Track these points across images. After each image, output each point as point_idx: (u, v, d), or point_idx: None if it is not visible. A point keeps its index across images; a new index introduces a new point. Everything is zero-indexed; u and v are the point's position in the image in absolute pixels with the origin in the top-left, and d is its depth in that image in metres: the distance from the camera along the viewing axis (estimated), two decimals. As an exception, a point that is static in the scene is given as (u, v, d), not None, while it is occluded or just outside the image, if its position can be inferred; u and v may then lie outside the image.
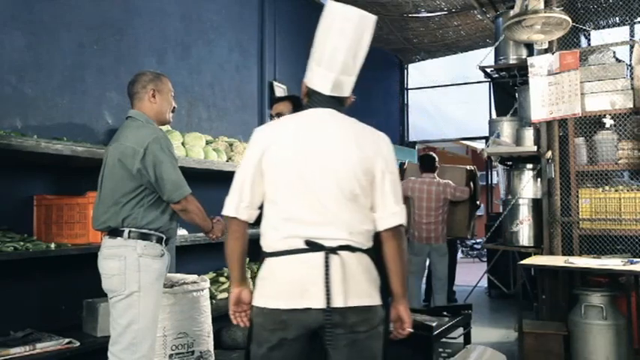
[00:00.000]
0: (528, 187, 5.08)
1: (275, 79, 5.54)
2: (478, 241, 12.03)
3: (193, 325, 3.13)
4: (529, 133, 4.69)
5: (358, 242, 1.79)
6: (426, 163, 5.37)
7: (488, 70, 5.23)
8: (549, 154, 4.39)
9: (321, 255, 1.73)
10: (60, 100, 3.43)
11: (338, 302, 1.71)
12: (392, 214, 1.84)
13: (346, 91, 1.91)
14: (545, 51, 4.39)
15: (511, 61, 5.02)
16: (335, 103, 1.89)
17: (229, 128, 4.90)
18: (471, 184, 5.41)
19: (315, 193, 1.78)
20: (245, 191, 1.84)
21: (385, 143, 1.87)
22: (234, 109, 5.02)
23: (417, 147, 8.99)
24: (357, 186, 1.79)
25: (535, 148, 4.63)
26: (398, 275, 1.87)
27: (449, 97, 9.12)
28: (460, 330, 3.10)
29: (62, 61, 3.44)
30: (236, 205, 1.84)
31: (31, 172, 3.20)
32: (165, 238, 2.52)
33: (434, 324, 2.76)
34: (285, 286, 1.76)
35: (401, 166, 7.11)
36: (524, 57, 4.85)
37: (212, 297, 3.85)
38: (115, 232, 2.43)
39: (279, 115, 2.99)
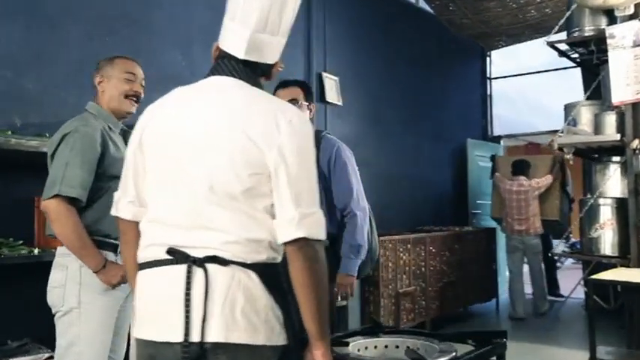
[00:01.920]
0: (611, 184, 4.28)
1: (325, 69, 5.16)
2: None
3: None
4: (611, 119, 3.94)
5: (236, 254, 1.33)
6: (518, 168, 6.03)
7: (559, 46, 4.48)
8: (636, 143, 3.65)
9: (183, 268, 1.32)
10: (66, 95, 3.27)
11: (196, 335, 1.29)
12: (289, 223, 1.34)
13: (268, 55, 1.47)
14: (630, 17, 3.64)
15: (587, 34, 4.25)
16: (249, 71, 1.45)
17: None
18: (558, 168, 5.97)
19: (183, 188, 1.37)
20: (128, 183, 1.47)
21: (288, 125, 1.37)
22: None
23: (502, 142, 8.19)
24: (237, 183, 1.34)
25: (618, 137, 3.87)
26: (309, 308, 1.35)
27: (540, 85, 8.23)
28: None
29: (68, 54, 3.28)
30: (116, 200, 1.48)
31: (31, 172, 3.06)
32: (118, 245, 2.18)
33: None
34: (147, 310, 1.38)
35: (492, 158, 6.52)
36: (602, 27, 4.06)
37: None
38: None
39: (291, 101, 2.61)
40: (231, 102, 1.40)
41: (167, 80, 3.84)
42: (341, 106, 5.27)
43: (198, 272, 1.31)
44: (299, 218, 1.33)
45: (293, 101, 2.64)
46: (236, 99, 1.41)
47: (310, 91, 2.76)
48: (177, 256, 1.34)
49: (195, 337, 1.28)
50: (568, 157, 4.11)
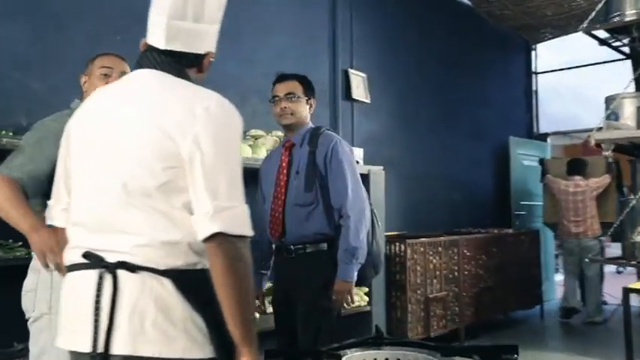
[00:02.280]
0: (657, 182, 3.92)
1: (352, 66, 4.98)
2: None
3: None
4: (656, 112, 3.59)
5: (149, 258, 1.25)
6: (574, 167, 5.78)
7: (597, 33, 4.13)
8: (683, 137, 3.31)
9: (95, 274, 1.26)
10: (73, 95, 3.22)
11: (101, 346, 1.23)
12: (204, 217, 1.24)
13: (194, 44, 1.39)
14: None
15: (628, 18, 3.89)
16: (173, 62, 1.37)
17: (291, 122, 4.44)
18: (613, 169, 5.67)
19: (100, 189, 1.31)
20: (60, 189, 1.41)
21: (205, 112, 1.27)
22: (297, 101, 4.55)
23: (548, 140, 7.77)
24: (150, 178, 1.26)
25: (664, 131, 3.53)
26: (230, 311, 1.25)
27: (592, 79, 7.76)
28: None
29: (75, 54, 3.24)
30: (49, 208, 1.43)
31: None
32: None
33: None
34: (64, 317, 1.35)
35: (540, 162, 6.21)
36: (645, 11, 3.72)
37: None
38: None
39: (288, 95, 2.49)
40: (145, 95, 1.34)
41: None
42: (369, 104, 5.08)
43: (107, 279, 1.25)
44: (214, 212, 1.23)
45: (290, 95, 2.51)
46: (151, 91, 1.34)
47: (310, 86, 2.61)
48: (91, 260, 1.28)
49: (101, 349, 1.23)
50: (606, 154, 3.78)
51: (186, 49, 1.38)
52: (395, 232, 4.99)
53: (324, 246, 2.45)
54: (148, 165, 1.25)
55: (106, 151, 1.31)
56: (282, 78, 2.58)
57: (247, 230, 1.27)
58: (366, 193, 2.56)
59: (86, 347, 1.24)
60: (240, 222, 1.26)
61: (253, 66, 4.23)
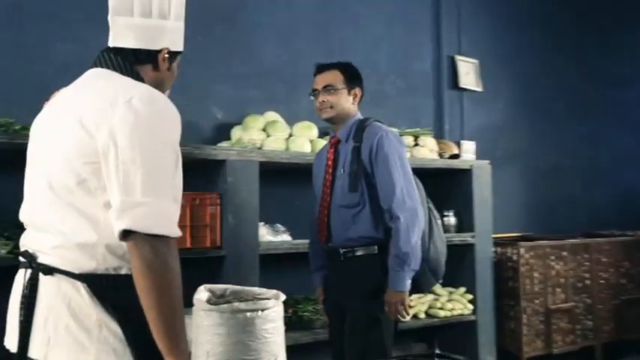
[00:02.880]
0: None
1: (459, 52, 4.56)
2: None
3: (244, 352, 2.60)
4: None
5: (65, 260, 1.22)
6: None
7: None
8: None
9: (22, 274, 1.27)
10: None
11: (13, 346, 1.25)
12: (113, 214, 1.17)
13: (142, 40, 1.35)
14: None
15: None
16: (120, 59, 1.34)
17: (388, 115, 4.15)
18: None
19: (35, 189, 1.31)
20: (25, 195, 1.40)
21: (125, 104, 1.21)
22: (395, 93, 4.28)
23: None
24: (71, 175, 1.22)
25: None
26: (151, 318, 1.18)
27: None
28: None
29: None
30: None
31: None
32: None
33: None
34: (7, 316, 1.33)
35: None
36: None
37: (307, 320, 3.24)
38: None
39: (326, 88, 2.30)
40: (76, 93, 1.31)
41: (267, 76, 3.78)
42: (481, 93, 4.61)
43: (31, 280, 1.24)
44: (122, 208, 1.14)
45: (328, 87, 2.31)
46: (84, 88, 1.31)
47: (353, 75, 2.38)
48: (25, 259, 1.27)
49: (13, 347, 1.25)
50: None
51: (133, 45, 1.36)
52: (515, 234, 4.48)
53: (375, 249, 2.21)
54: (70, 161, 1.22)
55: (40, 152, 1.32)
56: (320, 69, 2.40)
57: (166, 229, 1.17)
58: (421, 191, 2.26)
59: (13, 348, 1.25)
60: (156, 220, 1.16)
61: (341, 58, 4.03)
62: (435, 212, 2.33)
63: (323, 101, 2.33)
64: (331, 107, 2.32)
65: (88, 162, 1.21)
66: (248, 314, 2.56)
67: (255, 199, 2.98)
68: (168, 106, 1.30)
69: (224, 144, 3.29)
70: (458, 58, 4.52)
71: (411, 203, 2.15)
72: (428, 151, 3.71)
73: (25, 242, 1.31)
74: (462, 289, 3.82)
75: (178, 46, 1.46)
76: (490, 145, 4.52)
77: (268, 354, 2.66)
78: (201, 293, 2.66)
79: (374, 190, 2.20)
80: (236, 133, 3.35)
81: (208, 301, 2.54)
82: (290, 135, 3.38)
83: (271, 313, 2.64)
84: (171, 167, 1.24)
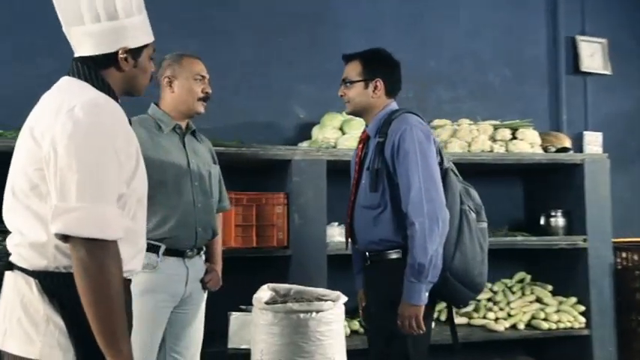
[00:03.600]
0: None
1: (583, 31, 4.04)
2: None
3: (297, 353, 2.59)
4: None
5: (22, 258, 1.30)
6: None
7: None
8: None
9: None
10: (236, 99, 3.45)
11: None
12: (51, 218, 1.22)
13: (97, 45, 1.38)
14: None
15: None
16: (84, 68, 1.39)
17: (491, 108, 3.84)
18: None
19: (5, 192, 1.38)
20: None
21: (67, 114, 1.26)
22: (500, 83, 3.92)
23: None
24: (25, 181, 1.31)
25: None
26: (90, 318, 1.23)
27: None
28: None
29: (237, 60, 3.45)
30: None
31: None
32: (164, 247, 2.15)
33: None
34: None
35: None
36: None
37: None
38: None
39: (344, 81, 2.21)
40: (39, 103, 1.38)
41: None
42: (609, 76, 4.04)
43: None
44: (56, 212, 1.21)
45: (344, 80, 2.18)
46: (43, 99, 1.39)
47: (375, 64, 2.21)
48: (1, 257, 1.39)
49: None
50: None
51: (93, 52, 1.39)
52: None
53: (399, 254, 2.03)
54: (24, 168, 1.31)
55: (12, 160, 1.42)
56: (344, 59, 2.25)
57: (100, 233, 1.21)
58: (452, 192, 2.02)
59: None
60: (89, 224, 1.21)
61: (437, 49, 3.82)
62: (472, 215, 2.05)
63: (341, 95, 2.21)
64: (348, 102, 2.20)
65: (37, 169, 1.27)
66: (301, 315, 2.58)
67: (322, 199, 2.95)
68: (111, 113, 1.32)
69: (304, 144, 3.30)
70: (580, 38, 4.01)
71: (429, 207, 1.93)
72: (527, 144, 3.34)
73: (8, 239, 1.43)
74: (573, 300, 3.40)
75: (139, 41, 1.43)
76: (621, 136, 3.96)
77: (323, 357, 2.65)
78: (262, 292, 2.72)
79: (397, 190, 2.03)
80: (315, 132, 3.35)
81: (268, 301, 2.60)
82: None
83: (327, 315, 2.63)
84: (111, 172, 1.27)
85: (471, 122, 3.55)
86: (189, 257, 2.22)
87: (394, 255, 2.02)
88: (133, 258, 1.42)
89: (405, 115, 2.11)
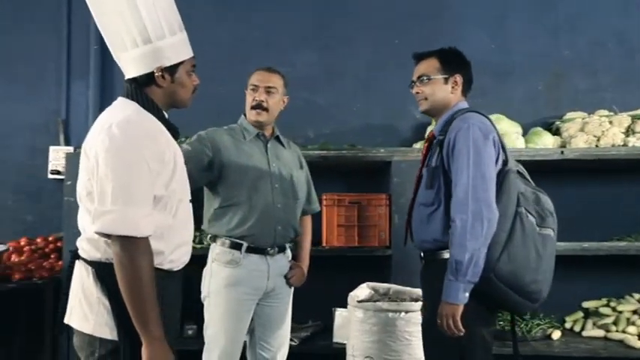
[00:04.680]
0: None
1: None
2: None
3: (385, 351, 2.63)
4: None
5: (84, 251, 1.57)
6: None
7: None
8: None
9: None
10: (354, 104, 3.56)
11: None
12: (92, 219, 1.49)
13: (137, 68, 1.60)
14: None
15: None
16: (132, 88, 1.62)
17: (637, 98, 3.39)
18: None
19: None
20: None
21: (106, 131, 1.49)
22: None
23: None
24: (83, 189, 1.56)
25: None
26: (127, 304, 1.47)
27: None
28: None
29: (356, 65, 3.55)
30: None
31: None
32: (246, 245, 2.35)
33: None
34: None
35: None
36: None
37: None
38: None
39: (420, 78, 2.19)
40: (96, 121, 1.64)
41: (474, 64, 3.53)
42: None
43: (70, 265, 1.67)
44: (95, 215, 1.47)
45: (421, 77, 2.15)
46: (101, 117, 1.63)
47: (453, 60, 2.15)
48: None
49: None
50: None
51: (136, 73, 1.61)
52: None
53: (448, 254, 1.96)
54: (82, 178, 1.59)
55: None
56: (417, 58, 2.20)
57: (129, 231, 1.45)
58: (508, 194, 1.88)
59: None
60: (120, 223, 1.45)
61: (572, 34, 3.49)
62: (531, 219, 1.86)
63: (417, 93, 2.16)
64: (425, 99, 2.13)
65: (89, 178, 1.55)
66: (390, 314, 2.69)
67: (423, 200, 2.93)
68: (143, 128, 1.54)
69: (418, 144, 3.30)
70: None
71: (475, 205, 1.83)
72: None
73: None
74: None
75: (173, 59, 1.62)
76: None
77: (411, 357, 2.70)
78: (360, 290, 2.86)
79: (452, 188, 1.95)
80: (429, 131, 3.32)
81: (364, 299, 2.71)
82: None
83: (417, 315, 2.68)
84: (141, 179, 1.49)
85: (610, 113, 3.19)
86: (271, 254, 2.39)
87: (447, 255, 1.96)
88: (175, 251, 1.62)
89: (467, 115, 2.03)
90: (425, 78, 2.13)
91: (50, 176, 3.52)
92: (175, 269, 1.66)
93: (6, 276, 2.96)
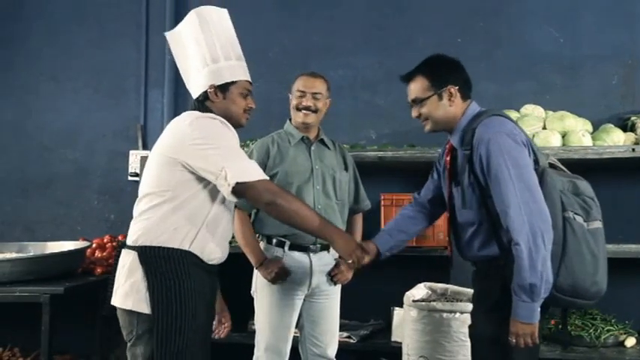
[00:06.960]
0: None
1: None
2: None
3: (439, 351, 2.62)
4: None
5: (130, 238, 1.82)
6: None
7: None
8: None
9: None
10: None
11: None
12: (218, 183, 1.79)
13: (194, 89, 1.97)
14: None
15: None
16: (197, 103, 1.96)
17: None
18: None
19: None
20: None
21: (189, 125, 1.81)
22: None
23: None
24: (146, 187, 1.86)
25: None
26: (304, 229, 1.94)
27: None
28: None
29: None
30: None
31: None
32: (289, 243, 2.46)
33: None
34: None
35: None
36: None
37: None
38: None
39: (414, 101, 2.17)
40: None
41: (541, 60, 3.46)
42: None
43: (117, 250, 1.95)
44: (219, 183, 1.77)
45: (415, 100, 2.06)
46: (172, 123, 1.93)
47: (440, 72, 2.04)
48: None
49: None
50: None
51: (198, 93, 1.96)
52: None
53: (502, 260, 1.91)
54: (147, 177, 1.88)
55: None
56: (403, 81, 2.10)
57: (250, 177, 1.78)
58: (552, 199, 1.80)
59: None
60: (242, 172, 1.77)
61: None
62: (578, 219, 1.75)
63: (417, 116, 2.07)
64: (427, 119, 2.05)
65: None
66: (444, 315, 2.71)
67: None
68: (211, 122, 1.84)
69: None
70: None
71: (533, 222, 1.75)
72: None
73: None
74: None
75: (223, 79, 1.93)
76: None
77: (466, 358, 2.68)
78: (416, 290, 2.88)
79: (492, 205, 1.87)
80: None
81: (419, 299, 2.74)
82: (543, 127, 3.06)
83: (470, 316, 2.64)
84: (232, 146, 1.81)
85: None
86: (314, 252, 2.48)
87: (491, 268, 1.95)
88: (220, 244, 1.87)
89: (486, 122, 1.93)
90: (418, 100, 2.04)
91: (130, 178, 3.79)
92: (214, 263, 1.87)
93: (90, 270, 3.23)
